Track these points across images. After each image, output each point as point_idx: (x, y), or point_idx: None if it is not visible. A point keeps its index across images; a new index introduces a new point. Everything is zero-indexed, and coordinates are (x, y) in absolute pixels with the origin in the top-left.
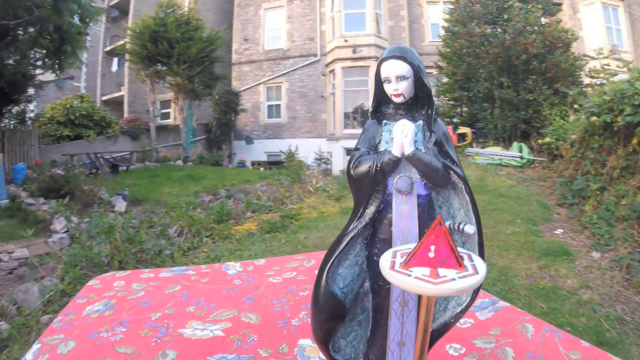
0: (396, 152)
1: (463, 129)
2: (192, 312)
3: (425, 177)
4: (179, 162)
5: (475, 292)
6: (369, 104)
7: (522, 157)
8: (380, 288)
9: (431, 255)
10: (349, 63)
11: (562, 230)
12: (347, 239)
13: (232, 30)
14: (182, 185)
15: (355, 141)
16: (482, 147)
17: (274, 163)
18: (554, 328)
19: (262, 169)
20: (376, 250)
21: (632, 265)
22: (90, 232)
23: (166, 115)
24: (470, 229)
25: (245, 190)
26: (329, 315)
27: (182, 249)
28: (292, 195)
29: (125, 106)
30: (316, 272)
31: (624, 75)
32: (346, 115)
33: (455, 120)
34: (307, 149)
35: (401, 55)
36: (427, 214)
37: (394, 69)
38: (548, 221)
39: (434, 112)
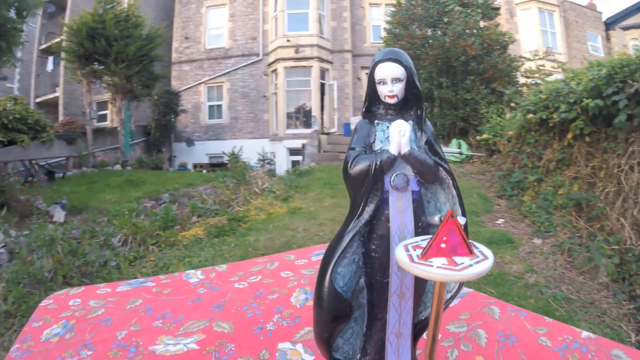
0: (394, 151)
1: None
2: (160, 327)
3: (418, 174)
4: (118, 167)
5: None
6: (311, 104)
7: (461, 153)
8: (378, 282)
9: (443, 245)
10: (292, 63)
11: (503, 220)
12: (347, 237)
13: (173, 28)
14: (123, 191)
15: (299, 141)
16: None
17: (216, 165)
18: (517, 308)
19: (204, 171)
20: (374, 247)
21: (573, 249)
22: (30, 246)
23: (103, 118)
24: (462, 220)
25: (188, 194)
26: (335, 315)
27: (128, 258)
28: (238, 197)
29: (60, 108)
30: (284, 274)
31: (558, 75)
32: (289, 115)
33: None
34: (250, 149)
35: (397, 58)
36: (420, 209)
37: (390, 71)
38: (489, 212)
39: (423, 113)
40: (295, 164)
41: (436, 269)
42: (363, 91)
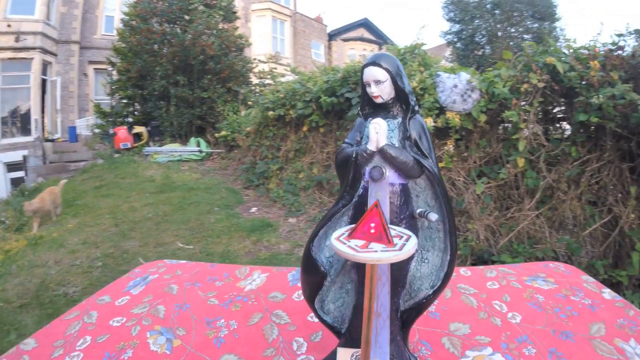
0: (371, 147)
1: (138, 129)
2: None
3: (397, 168)
4: None
5: (448, 277)
6: (30, 104)
7: (200, 151)
8: (361, 264)
9: (372, 231)
10: (10, 54)
11: (256, 208)
12: (330, 213)
13: None
14: None
15: (18, 152)
16: (160, 145)
17: None
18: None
19: None
20: None
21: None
22: None
23: None
24: (433, 216)
25: None
26: (311, 277)
27: None
28: None
29: None
30: (116, 322)
31: (289, 77)
32: (3, 121)
33: (129, 119)
34: None
35: (376, 61)
36: (401, 201)
37: (371, 74)
38: (241, 203)
39: (410, 111)
40: (17, 182)
41: (345, 247)
42: (90, 89)
